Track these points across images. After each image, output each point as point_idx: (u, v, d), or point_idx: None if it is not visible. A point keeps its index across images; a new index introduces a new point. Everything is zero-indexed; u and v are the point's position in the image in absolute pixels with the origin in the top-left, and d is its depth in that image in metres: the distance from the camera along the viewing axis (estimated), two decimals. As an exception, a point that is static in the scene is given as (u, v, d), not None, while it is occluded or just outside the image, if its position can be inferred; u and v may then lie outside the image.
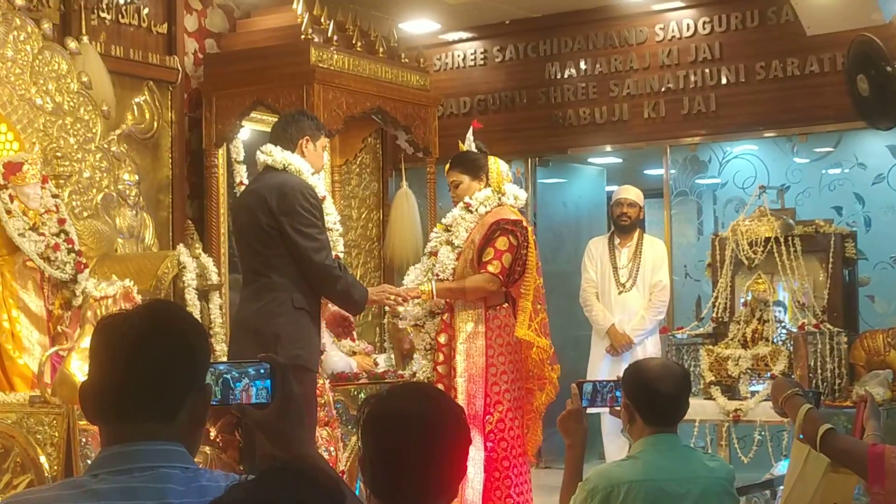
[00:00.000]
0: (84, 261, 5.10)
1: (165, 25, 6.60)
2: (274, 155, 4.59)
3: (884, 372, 5.67)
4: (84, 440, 4.41)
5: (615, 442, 6.57)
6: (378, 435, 2.05)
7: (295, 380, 2.03)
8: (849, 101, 6.49)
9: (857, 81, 6.29)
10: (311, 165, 4.65)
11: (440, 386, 4.99)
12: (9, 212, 4.91)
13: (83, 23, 5.92)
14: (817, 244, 6.11)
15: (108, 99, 5.72)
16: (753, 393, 5.75)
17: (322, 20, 6.74)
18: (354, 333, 6.12)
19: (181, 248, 5.56)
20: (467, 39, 8.37)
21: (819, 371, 5.70)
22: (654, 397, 3.02)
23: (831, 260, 6.03)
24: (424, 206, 7.47)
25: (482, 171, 5.26)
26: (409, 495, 2.03)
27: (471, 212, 5.20)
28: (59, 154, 5.31)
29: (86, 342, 4.28)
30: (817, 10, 6.45)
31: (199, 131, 6.73)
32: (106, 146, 5.59)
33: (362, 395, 5.55)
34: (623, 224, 6.94)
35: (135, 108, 6.40)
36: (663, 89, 7.68)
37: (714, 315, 6.18)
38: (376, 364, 6.06)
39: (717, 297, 6.17)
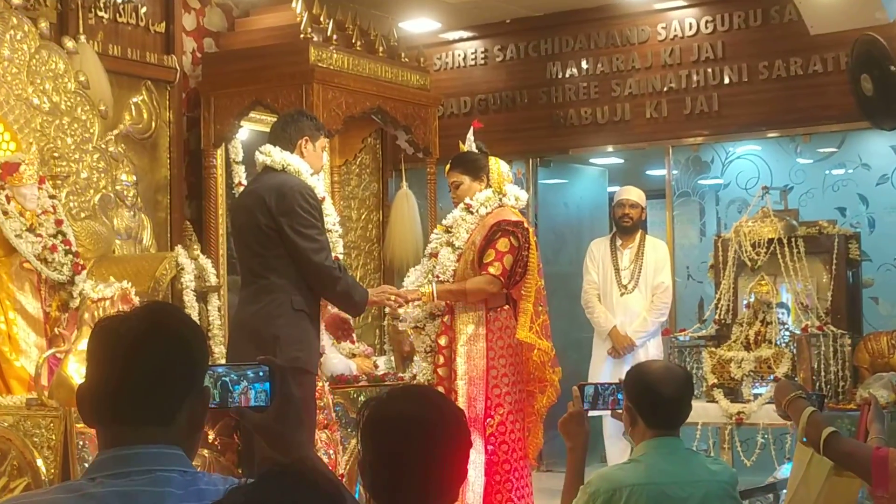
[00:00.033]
0: (81, 262, 5.10)
1: (163, 24, 6.59)
2: (273, 155, 4.59)
3: (888, 374, 5.65)
4: (81, 443, 4.39)
5: (617, 445, 6.57)
6: (378, 438, 2.04)
7: (294, 382, 2.05)
8: (852, 100, 6.48)
9: (860, 81, 6.28)
10: (310, 166, 4.65)
11: (440, 388, 4.98)
12: (5, 213, 4.91)
13: (80, 22, 5.91)
14: (821, 245, 6.09)
15: (105, 99, 5.71)
16: (756, 396, 5.75)
17: (321, 19, 6.72)
18: (354, 335, 6.11)
19: (179, 249, 5.54)
20: (468, 39, 8.35)
21: (822, 373, 5.69)
22: (657, 400, 3.00)
23: (835, 261, 6.02)
24: (424, 206, 7.46)
25: (483, 171, 5.25)
26: (409, 499, 2.02)
27: (471, 213, 5.19)
28: (56, 154, 5.30)
29: (83, 344, 4.32)
30: (821, 9, 6.45)
31: (197, 131, 6.72)
32: (103, 146, 5.58)
33: (362, 398, 5.53)
34: (625, 225, 6.93)
35: (132, 107, 6.39)
36: (665, 89, 7.67)
37: (717, 317, 6.17)
38: (376, 366, 6.05)
39: (719, 299, 6.16)
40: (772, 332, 5.88)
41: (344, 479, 5.10)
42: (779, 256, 5.98)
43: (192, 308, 5.31)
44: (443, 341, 5.17)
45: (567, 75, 8.01)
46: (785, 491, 3.66)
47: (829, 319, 5.93)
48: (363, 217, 7.72)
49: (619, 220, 6.99)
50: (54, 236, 5.01)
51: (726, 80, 7.47)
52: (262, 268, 4.46)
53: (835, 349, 5.71)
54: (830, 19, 6.47)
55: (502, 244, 5.05)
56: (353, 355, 6.03)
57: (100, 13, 6.17)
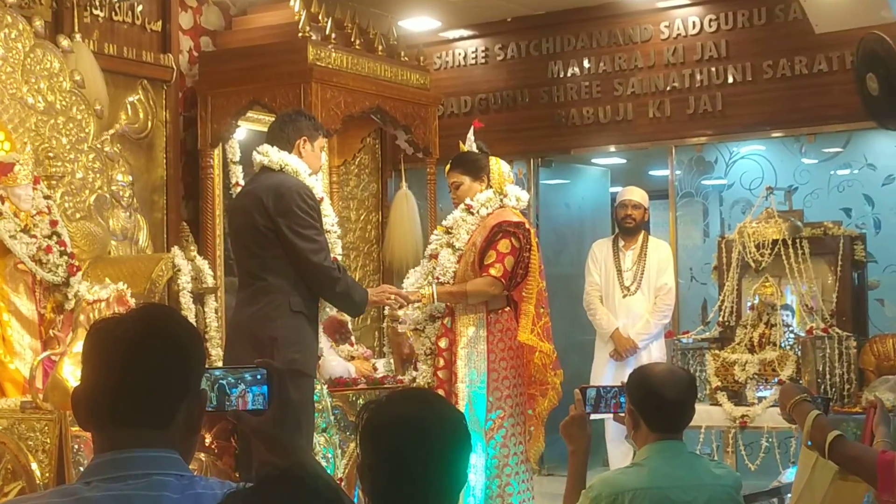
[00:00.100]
0: (76, 263, 5.08)
1: (160, 23, 6.59)
2: (270, 155, 4.60)
3: (894, 377, 5.63)
4: (76, 447, 4.38)
5: (619, 448, 6.55)
6: (377, 442, 2.04)
7: (292, 385, 2.04)
8: (858, 100, 6.45)
9: (866, 80, 6.24)
10: (308, 166, 4.67)
11: (441, 391, 5.01)
12: (0, 213, 4.85)
13: (76, 20, 5.89)
14: (826, 247, 6.07)
15: (101, 98, 5.69)
16: (761, 398, 5.73)
17: (320, 17, 6.71)
18: (353, 338, 6.10)
19: (176, 250, 5.51)
20: (468, 37, 8.34)
21: (827, 376, 5.67)
22: (660, 403, 3.00)
23: (840, 263, 5.99)
24: (424, 207, 7.46)
25: (483, 171, 5.26)
26: (408, 503, 2.02)
27: (472, 213, 5.20)
28: (51, 154, 5.29)
29: (78, 346, 4.31)
30: (826, 7, 6.44)
31: (194, 131, 6.72)
32: (99, 146, 5.57)
33: (361, 401, 5.49)
34: (627, 226, 6.91)
35: (128, 107, 6.38)
36: (668, 88, 7.65)
37: (720, 319, 6.16)
38: (375, 369, 6.06)
39: (723, 301, 6.14)
40: (776, 334, 5.85)
41: (343, 484, 5.09)
42: (783, 258, 5.96)
43: (188, 310, 5.30)
44: (443, 344, 5.18)
45: (569, 74, 7.99)
46: (790, 495, 3.66)
47: (834, 321, 5.90)
48: (362, 218, 7.70)
49: (621, 220, 6.97)
50: (49, 237, 4.99)
51: (730, 80, 7.45)
52: (260, 269, 4.48)
53: (840, 352, 5.69)
54: (836, 18, 6.46)
55: (503, 245, 5.06)
56: (352, 358, 6.04)
57: (95, 11, 6.17)
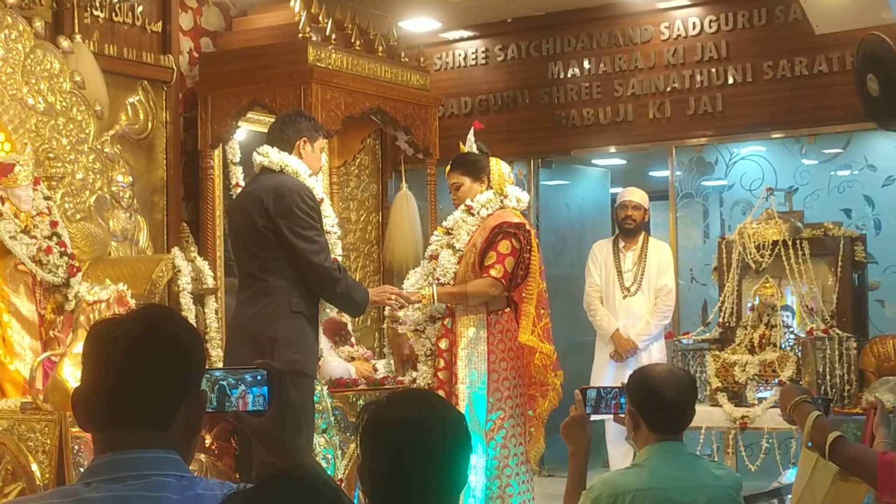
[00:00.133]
0: (77, 264, 5.07)
1: (160, 24, 6.59)
2: (271, 156, 4.60)
3: (894, 378, 5.62)
4: (76, 447, 4.37)
5: (619, 449, 6.55)
6: (377, 443, 2.03)
7: (292, 386, 2.02)
8: (858, 101, 6.43)
9: (866, 81, 6.23)
10: (308, 167, 4.65)
11: (441, 392, 4.99)
12: (0, 214, 4.85)
13: (76, 21, 5.89)
14: (826, 247, 6.06)
15: (101, 99, 5.69)
16: (761, 399, 5.72)
17: (320, 18, 6.71)
18: (353, 339, 6.09)
19: (176, 251, 5.51)
20: (468, 38, 8.34)
21: (828, 377, 5.66)
22: (660, 404, 2.99)
23: (840, 264, 5.98)
24: (425, 208, 7.45)
25: (483, 172, 5.25)
26: None
27: (472, 214, 5.19)
28: (51, 155, 5.29)
29: (78, 347, 4.31)
30: (826, 8, 6.44)
31: (194, 132, 6.71)
32: (99, 147, 5.56)
33: (361, 402, 5.49)
34: (627, 227, 6.90)
35: (129, 108, 6.37)
36: (669, 89, 7.64)
37: (720, 320, 6.15)
38: (375, 370, 6.06)
39: (723, 302, 6.13)
40: (776, 335, 5.84)
41: (343, 485, 5.09)
42: (783, 259, 5.95)
43: (188, 311, 5.29)
44: (443, 345, 5.17)
45: (569, 75, 7.98)
46: (790, 496, 3.66)
47: (834, 322, 5.90)
48: (362, 219, 7.69)
49: (621, 221, 6.96)
50: (49, 238, 4.98)
51: (730, 81, 7.45)
52: (260, 270, 4.47)
53: (840, 352, 5.68)
54: (836, 19, 6.45)
55: (504, 246, 5.05)
56: (352, 359, 6.04)
57: (96, 12, 6.16)
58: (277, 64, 6.41)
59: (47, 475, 4.33)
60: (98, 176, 5.50)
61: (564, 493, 3.13)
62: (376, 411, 2.07)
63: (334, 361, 5.76)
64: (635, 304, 6.78)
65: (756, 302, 5.95)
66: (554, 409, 5.15)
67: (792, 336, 5.87)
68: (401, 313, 5.24)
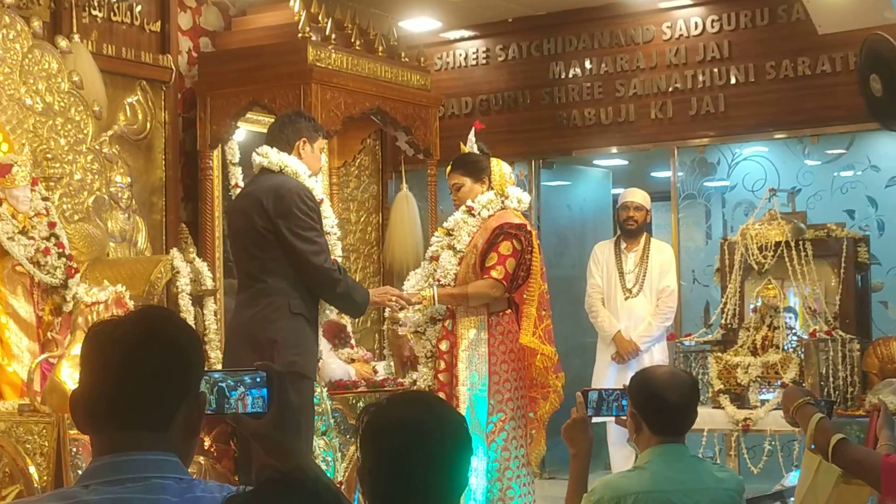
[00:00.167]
0: (75, 265, 5.07)
1: (159, 23, 6.57)
2: (270, 157, 4.60)
3: (897, 380, 5.60)
4: (75, 450, 4.37)
5: (621, 452, 6.56)
6: (377, 445, 2.03)
7: (292, 387, 2.02)
8: (861, 101, 6.43)
9: (869, 81, 6.22)
10: (308, 168, 4.65)
11: (442, 394, 4.99)
12: (-3, 215, 4.85)
13: (74, 21, 5.88)
14: (829, 249, 6.07)
15: (99, 99, 5.68)
16: (763, 402, 5.73)
17: (320, 18, 6.69)
18: (353, 341, 6.07)
19: (175, 252, 5.50)
20: (469, 38, 8.33)
21: (831, 379, 5.67)
22: (662, 406, 2.99)
23: (843, 265, 5.99)
24: (425, 209, 7.44)
25: (484, 173, 5.25)
26: None
27: (473, 215, 5.19)
28: (49, 155, 5.27)
29: (76, 349, 4.29)
30: (829, 8, 6.44)
31: (193, 132, 6.69)
32: (97, 147, 5.55)
33: (361, 404, 5.48)
34: (629, 228, 6.89)
35: (127, 108, 6.36)
36: (671, 89, 7.63)
37: (723, 321, 6.15)
38: (375, 372, 6.06)
39: (725, 303, 6.13)
40: (779, 336, 5.84)
41: (343, 487, 5.09)
42: (786, 260, 5.95)
43: (187, 312, 5.28)
44: (444, 346, 5.18)
45: (570, 75, 7.97)
46: (793, 499, 3.68)
47: (837, 324, 5.92)
48: (362, 219, 7.68)
49: (623, 222, 6.95)
50: (47, 239, 4.98)
51: (733, 81, 7.43)
52: (260, 271, 4.46)
53: (843, 354, 5.69)
54: (839, 18, 6.45)
55: (505, 247, 5.05)
56: (352, 360, 6.04)
57: (94, 12, 6.15)
58: (277, 64, 6.39)
59: (45, 478, 4.32)
60: (96, 176, 5.49)
61: (566, 496, 3.12)
62: (376, 413, 2.06)
63: (334, 363, 5.76)
64: (637, 306, 6.78)
65: (759, 303, 5.95)
66: (555, 412, 5.15)
67: (795, 338, 5.87)
68: (401, 315, 5.24)
